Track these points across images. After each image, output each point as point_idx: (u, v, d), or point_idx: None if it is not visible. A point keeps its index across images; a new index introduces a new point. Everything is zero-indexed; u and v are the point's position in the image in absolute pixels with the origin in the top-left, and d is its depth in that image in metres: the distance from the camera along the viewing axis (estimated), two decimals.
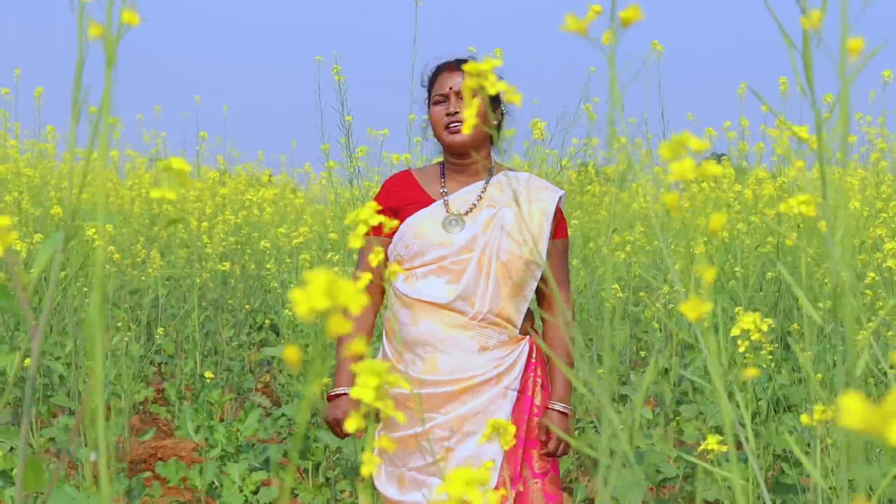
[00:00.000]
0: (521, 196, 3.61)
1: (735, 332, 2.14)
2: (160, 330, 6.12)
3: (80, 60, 1.31)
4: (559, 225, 3.63)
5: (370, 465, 1.08)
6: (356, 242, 1.53)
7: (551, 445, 3.48)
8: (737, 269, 6.77)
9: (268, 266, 7.88)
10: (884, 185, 6.93)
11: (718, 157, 11.69)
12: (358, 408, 3.63)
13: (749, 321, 2.10)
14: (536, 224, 3.56)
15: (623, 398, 5.82)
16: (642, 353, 7.27)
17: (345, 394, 3.55)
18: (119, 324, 6.21)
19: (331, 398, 3.56)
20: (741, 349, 2.11)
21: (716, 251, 6.86)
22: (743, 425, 5.97)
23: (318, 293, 0.79)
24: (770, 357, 5.10)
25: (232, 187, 10.49)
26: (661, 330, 6.17)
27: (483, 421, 3.48)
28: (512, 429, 1.52)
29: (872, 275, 4.76)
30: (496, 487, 3.43)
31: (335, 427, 3.51)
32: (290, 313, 6.93)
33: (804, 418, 1.61)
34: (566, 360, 3.58)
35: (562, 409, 3.52)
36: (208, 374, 6.44)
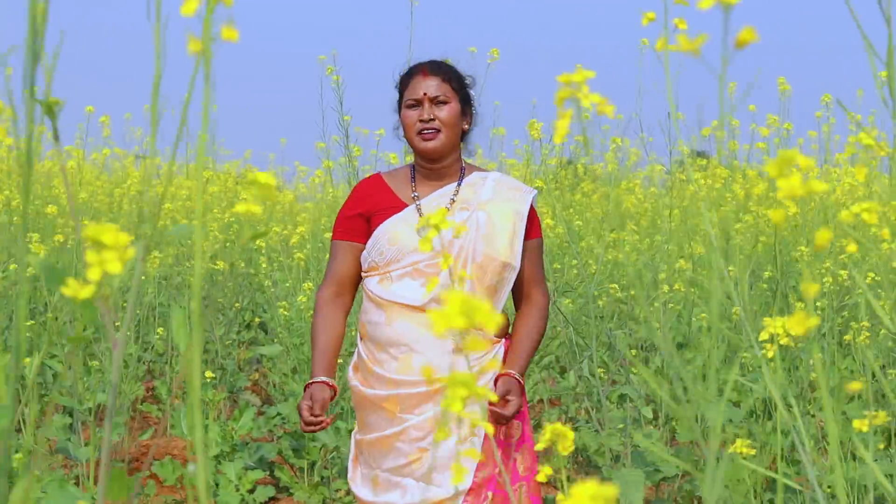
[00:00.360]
0: (493, 197, 3.61)
1: (763, 336, 2.15)
2: (160, 330, 6.11)
3: (157, 74, 1.32)
4: (533, 224, 3.64)
5: (460, 475, 1.09)
6: (426, 247, 1.53)
7: (509, 409, 3.40)
8: (730, 268, 6.80)
9: (263, 265, 7.87)
10: (875, 185, 7.00)
11: (699, 156, 11.74)
12: (325, 396, 3.57)
13: (778, 325, 2.12)
14: (510, 224, 3.56)
15: (622, 398, 5.85)
16: (633, 352, 7.30)
17: (320, 382, 3.50)
18: (118, 323, 6.19)
19: (307, 388, 3.50)
20: (769, 354, 2.12)
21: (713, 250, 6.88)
22: (734, 423, 6.00)
23: (455, 313, 0.80)
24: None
25: (221, 185, 10.49)
26: (660, 329, 6.19)
27: (457, 421, 3.48)
28: (571, 434, 1.53)
29: (872, 275, 4.80)
30: (472, 489, 3.43)
31: (301, 412, 3.42)
32: (285, 312, 6.93)
33: (857, 424, 1.63)
34: (533, 342, 3.56)
35: (518, 378, 3.47)
36: (209, 374, 6.43)
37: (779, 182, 0.90)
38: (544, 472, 1.41)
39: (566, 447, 1.59)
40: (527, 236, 3.60)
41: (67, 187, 1.22)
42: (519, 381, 3.46)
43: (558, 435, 1.58)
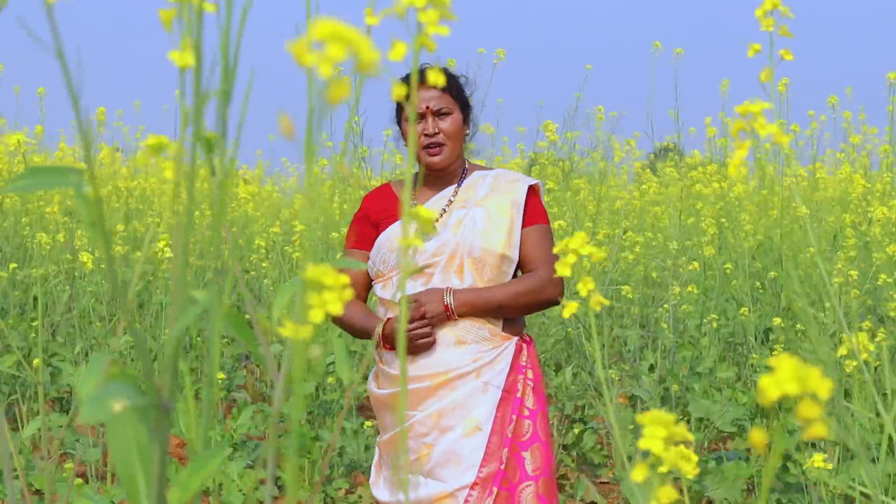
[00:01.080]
0: (491, 192, 3.62)
1: (842, 352, 2.17)
2: (166, 331, 6.09)
3: (310, 108, 1.32)
4: (536, 212, 3.63)
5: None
6: (565, 271, 1.54)
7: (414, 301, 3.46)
8: (727, 265, 6.84)
9: (264, 264, 7.85)
10: (878, 183, 7.07)
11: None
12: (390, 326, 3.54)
13: (860, 339, 2.13)
14: (507, 217, 3.57)
15: (632, 398, 5.88)
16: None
17: (385, 325, 3.52)
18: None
19: (385, 342, 3.53)
20: (848, 369, 2.14)
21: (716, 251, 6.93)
22: (750, 419, 6.04)
23: (787, 379, 0.82)
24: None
25: (211, 182, 10.40)
26: (670, 331, 6.23)
27: (461, 415, 3.49)
28: (695, 457, 1.54)
29: (884, 276, 4.85)
30: (477, 483, 3.45)
31: (413, 332, 3.46)
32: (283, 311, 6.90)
33: None
34: (505, 287, 3.53)
35: (448, 299, 3.48)
36: (220, 375, 6.40)
37: None
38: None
39: (690, 471, 1.59)
40: (527, 223, 3.59)
41: (223, 209, 1.22)
42: (444, 297, 3.47)
43: (682, 458, 1.58)
